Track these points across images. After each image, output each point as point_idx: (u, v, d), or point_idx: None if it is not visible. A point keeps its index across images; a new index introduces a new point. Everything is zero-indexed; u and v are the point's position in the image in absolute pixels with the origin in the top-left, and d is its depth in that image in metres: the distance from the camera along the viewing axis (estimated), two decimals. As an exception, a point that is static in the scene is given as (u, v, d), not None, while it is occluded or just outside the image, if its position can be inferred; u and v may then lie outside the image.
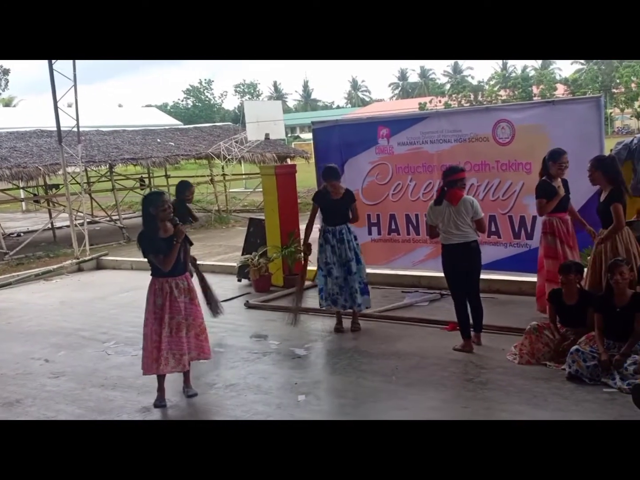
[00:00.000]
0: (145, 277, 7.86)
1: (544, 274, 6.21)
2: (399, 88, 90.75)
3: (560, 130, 6.60)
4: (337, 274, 6.62)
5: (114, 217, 16.79)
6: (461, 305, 5.83)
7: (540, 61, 72.97)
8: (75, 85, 11.66)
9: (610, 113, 57.53)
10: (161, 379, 5.15)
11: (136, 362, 6.14)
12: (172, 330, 5.03)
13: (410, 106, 61.44)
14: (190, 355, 5.14)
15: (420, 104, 62.10)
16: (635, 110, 58.28)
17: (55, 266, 11.20)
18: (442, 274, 7.68)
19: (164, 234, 5.03)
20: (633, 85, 55.94)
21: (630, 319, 4.84)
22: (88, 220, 13.95)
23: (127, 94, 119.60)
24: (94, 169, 17.18)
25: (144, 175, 20.54)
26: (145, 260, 5.22)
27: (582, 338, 5.11)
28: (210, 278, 9.02)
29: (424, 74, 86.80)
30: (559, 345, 5.31)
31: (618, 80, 57.87)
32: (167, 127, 22.48)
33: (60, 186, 16.97)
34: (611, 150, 6.48)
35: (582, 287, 5.44)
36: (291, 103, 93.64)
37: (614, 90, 58.73)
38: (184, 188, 7.61)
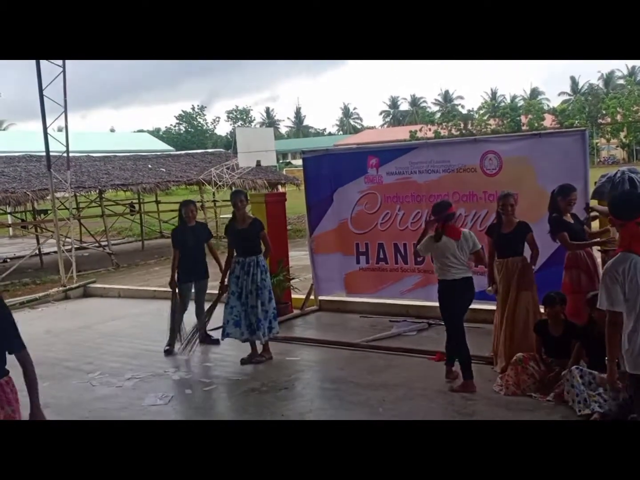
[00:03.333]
0: (134, 305, 7.86)
1: None
2: (390, 116, 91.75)
3: (546, 163, 6.68)
4: (233, 303, 6.61)
5: (102, 243, 16.75)
6: (465, 341, 5.66)
7: (528, 91, 74.27)
8: (65, 111, 11.70)
9: (597, 143, 58.32)
10: None
11: (121, 393, 6.12)
12: None
13: (401, 134, 62.10)
14: None
15: (410, 131, 62.78)
16: (620, 141, 59.14)
17: (41, 294, 11.09)
18: (430, 303, 7.73)
19: None
20: (619, 116, 56.84)
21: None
22: (76, 246, 13.90)
23: (120, 118, 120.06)
24: (84, 194, 17.19)
25: (134, 201, 20.56)
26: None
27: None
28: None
29: (414, 102, 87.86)
30: (544, 376, 5.32)
31: (604, 111, 58.79)
32: (158, 153, 22.59)
33: (49, 211, 16.93)
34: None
35: (567, 318, 5.47)
36: (283, 129, 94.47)
37: (600, 121, 59.60)
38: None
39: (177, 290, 7.36)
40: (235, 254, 6.74)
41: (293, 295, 8.96)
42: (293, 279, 9.07)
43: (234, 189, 19.87)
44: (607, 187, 6.24)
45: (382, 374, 6.10)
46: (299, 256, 11.55)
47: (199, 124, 79.10)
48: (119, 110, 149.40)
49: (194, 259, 7.26)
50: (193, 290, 7.47)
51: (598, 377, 4.73)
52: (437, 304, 7.70)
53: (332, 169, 8.40)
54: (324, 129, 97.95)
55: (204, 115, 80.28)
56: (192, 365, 6.84)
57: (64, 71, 11.20)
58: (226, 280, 6.85)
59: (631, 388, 3.76)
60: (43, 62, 11.05)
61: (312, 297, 8.83)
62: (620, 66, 74.51)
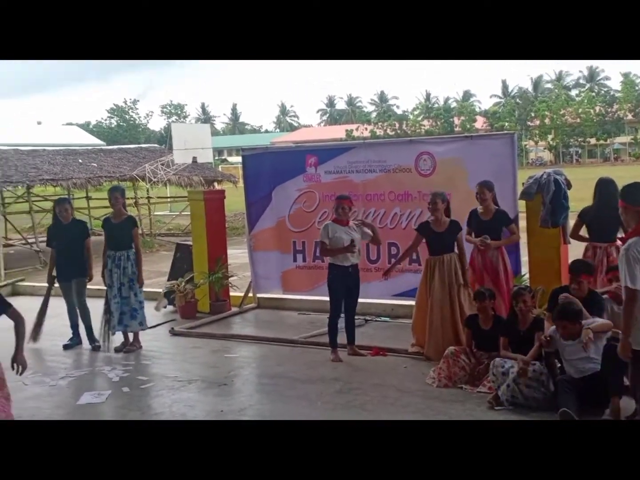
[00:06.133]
0: (64, 304, 7.69)
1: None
2: (327, 114, 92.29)
3: (477, 164, 6.97)
4: (110, 295, 7.17)
5: (30, 241, 16.17)
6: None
7: (461, 94, 76.32)
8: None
9: (525, 145, 60.52)
10: None
11: (54, 392, 6.01)
12: None
13: (337, 132, 62.65)
14: None
15: (347, 130, 63.44)
16: (548, 143, 61.57)
17: (-33, 291, 10.67)
18: (367, 300, 7.89)
19: None
20: (547, 119, 59.16)
21: (532, 339, 5.17)
22: (2, 243, 13.40)
23: (47, 111, 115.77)
24: (10, 189, 16.55)
25: (63, 197, 19.92)
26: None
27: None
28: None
29: (351, 101, 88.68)
30: (474, 369, 5.57)
31: (533, 114, 61.06)
32: (89, 148, 21.95)
33: (-26, 207, 16.26)
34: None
35: (496, 313, 5.74)
36: (219, 125, 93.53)
37: (529, 124, 61.87)
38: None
39: (52, 287, 7.67)
40: (107, 248, 7.20)
41: (231, 293, 8.97)
42: (231, 276, 9.08)
43: (168, 185, 19.60)
44: (534, 188, 6.55)
45: (320, 369, 6.22)
46: (235, 254, 11.53)
47: (132, 118, 77.19)
48: (46, 101, 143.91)
49: (70, 258, 7.39)
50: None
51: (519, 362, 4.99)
52: (373, 300, 7.99)
53: (271, 166, 8.45)
54: (261, 126, 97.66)
55: (137, 109, 78.32)
56: (128, 363, 6.76)
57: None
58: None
59: (633, 364, 4.00)
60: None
61: (250, 294, 8.86)
62: (548, 71, 77.50)
